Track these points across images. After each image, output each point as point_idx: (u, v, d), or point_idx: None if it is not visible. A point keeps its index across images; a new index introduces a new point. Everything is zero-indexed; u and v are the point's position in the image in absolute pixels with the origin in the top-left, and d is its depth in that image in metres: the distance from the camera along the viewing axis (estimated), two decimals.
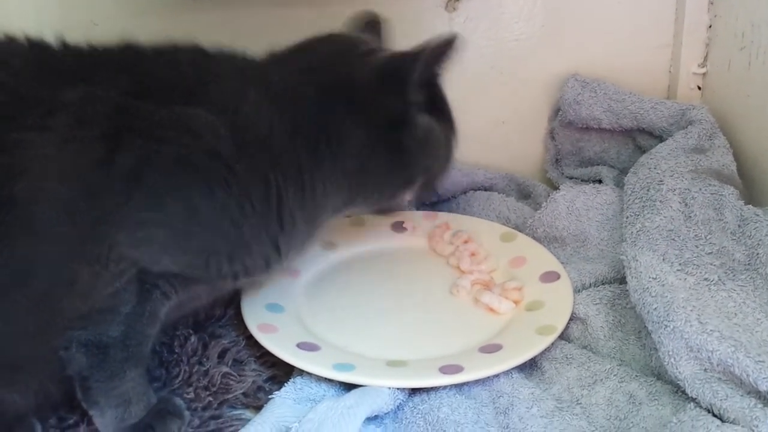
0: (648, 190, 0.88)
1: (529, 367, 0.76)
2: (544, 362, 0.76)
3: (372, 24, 0.83)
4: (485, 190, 1.08)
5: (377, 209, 0.85)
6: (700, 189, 0.86)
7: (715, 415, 0.62)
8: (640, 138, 1.05)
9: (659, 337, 0.68)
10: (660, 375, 0.71)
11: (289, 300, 0.85)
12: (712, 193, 0.86)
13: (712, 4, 1.03)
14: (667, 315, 0.68)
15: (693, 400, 0.64)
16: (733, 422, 0.60)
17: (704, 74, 1.07)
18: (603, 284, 0.84)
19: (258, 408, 0.72)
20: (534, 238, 0.95)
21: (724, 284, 0.73)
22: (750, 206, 0.84)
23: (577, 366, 0.73)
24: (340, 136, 0.71)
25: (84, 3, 0.99)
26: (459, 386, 0.72)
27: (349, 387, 0.71)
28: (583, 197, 0.96)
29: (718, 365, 0.63)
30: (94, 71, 0.66)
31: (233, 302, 0.84)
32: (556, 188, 1.00)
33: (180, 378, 0.76)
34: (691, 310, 0.67)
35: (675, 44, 1.08)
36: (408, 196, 0.84)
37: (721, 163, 0.91)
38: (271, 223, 0.68)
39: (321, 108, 0.71)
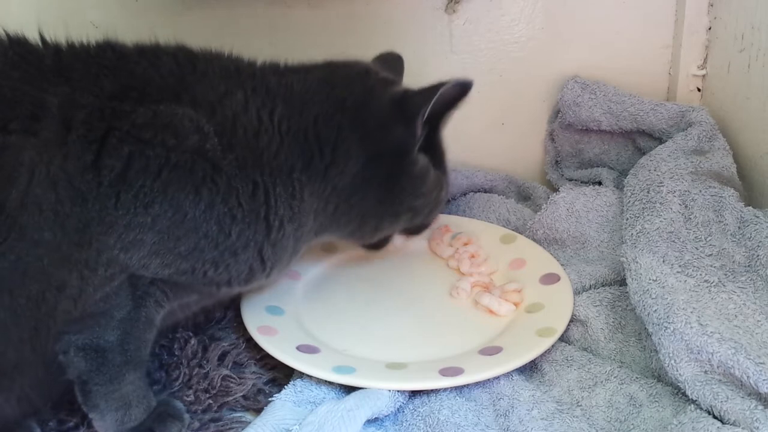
0: (648, 192, 0.88)
1: (530, 370, 0.76)
2: (544, 364, 0.76)
3: (394, 62, 0.85)
4: (485, 192, 1.08)
5: (362, 242, 0.84)
6: (700, 191, 0.86)
7: (715, 417, 0.61)
8: (640, 140, 1.05)
9: (659, 338, 0.68)
10: (660, 377, 0.71)
11: (289, 302, 0.85)
12: (712, 195, 0.86)
13: (711, 6, 1.03)
14: (668, 317, 0.68)
15: (693, 401, 0.64)
16: (733, 424, 0.60)
17: (704, 76, 1.07)
18: (603, 286, 0.84)
19: (258, 411, 0.72)
20: (534, 240, 0.95)
21: (724, 286, 0.73)
22: (750, 208, 0.84)
23: (578, 368, 0.73)
24: (339, 152, 0.71)
25: (84, 3, 0.99)
26: (459, 388, 0.72)
27: (349, 389, 0.71)
28: (583, 199, 0.96)
29: (718, 367, 0.63)
30: (76, 71, 0.65)
31: (233, 305, 0.84)
32: (555, 190, 1.00)
33: (180, 381, 0.76)
34: (692, 312, 0.67)
35: (675, 46, 1.08)
36: (395, 237, 0.85)
37: (721, 165, 0.91)
38: (258, 228, 0.68)
39: (327, 119, 0.71)
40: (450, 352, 0.77)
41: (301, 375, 0.73)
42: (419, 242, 0.98)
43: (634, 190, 0.91)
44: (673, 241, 0.80)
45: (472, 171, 1.08)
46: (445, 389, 0.71)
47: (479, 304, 0.84)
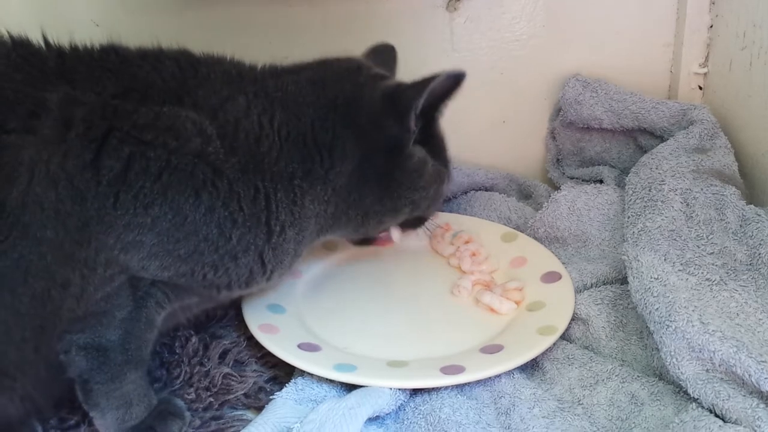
0: (649, 190, 0.88)
1: (531, 368, 0.76)
2: (545, 363, 0.76)
3: (387, 55, 0.84)
4: (486, 190, 1.08)
5: (357, 239, 0.84)
6: (702, 189, 0.86)
7: (717, 416, 0.61)
8: (642, 138, 1.05)
9: (661, 337, 0.67)
10: (662, 375, 0.71)
11: (290, 301, 0.85)
12: (713, 193, 0.86)
13: (713, 4, 1.03)
14: (669, 315, 0.68)
15: (695, 400, 0.64)
16: (735, 422, 0.60)
17: (705, 74, 1.07)
18: (604, 284, 0.84)
19: (259, 409, 0.72)
20: (535, 238, 0.95)
21: (725, 284, 0.73)
22: (751, 206, 0.84)
23: (579, 366, 0.73)
24: (336, 151, 0.71)
25: (85, 3, 0.99)
26: (460, 387, 0.72)
27: (350, 387, 0.71)
28: (585, 197, 0.96)
29: (720, 365, 0.63)
30: (79, 73, 0.65)
31: (234, 303, 0.84)
32: (557, 188, 1.00)
33: (181, 379, 0.76)
34: (693, 311, 0.67)
35: (676, 44, 1.07)
36: (394, 231, 0.84)
37: (722, 163, 0.91)
38: (259, 233, 0.68)
39: (322, 121, 0.71)
40: (451, 350, 0.77)
41: (303, 373, 0.73)
42: (420, 241, 0.98)
43: (635, 189, 0.90)
44: (675, 240, 0.80)
45: (473, 169, 1.08)
46: (446, 387, 0.71)
47: (480, 302, 0.84)
